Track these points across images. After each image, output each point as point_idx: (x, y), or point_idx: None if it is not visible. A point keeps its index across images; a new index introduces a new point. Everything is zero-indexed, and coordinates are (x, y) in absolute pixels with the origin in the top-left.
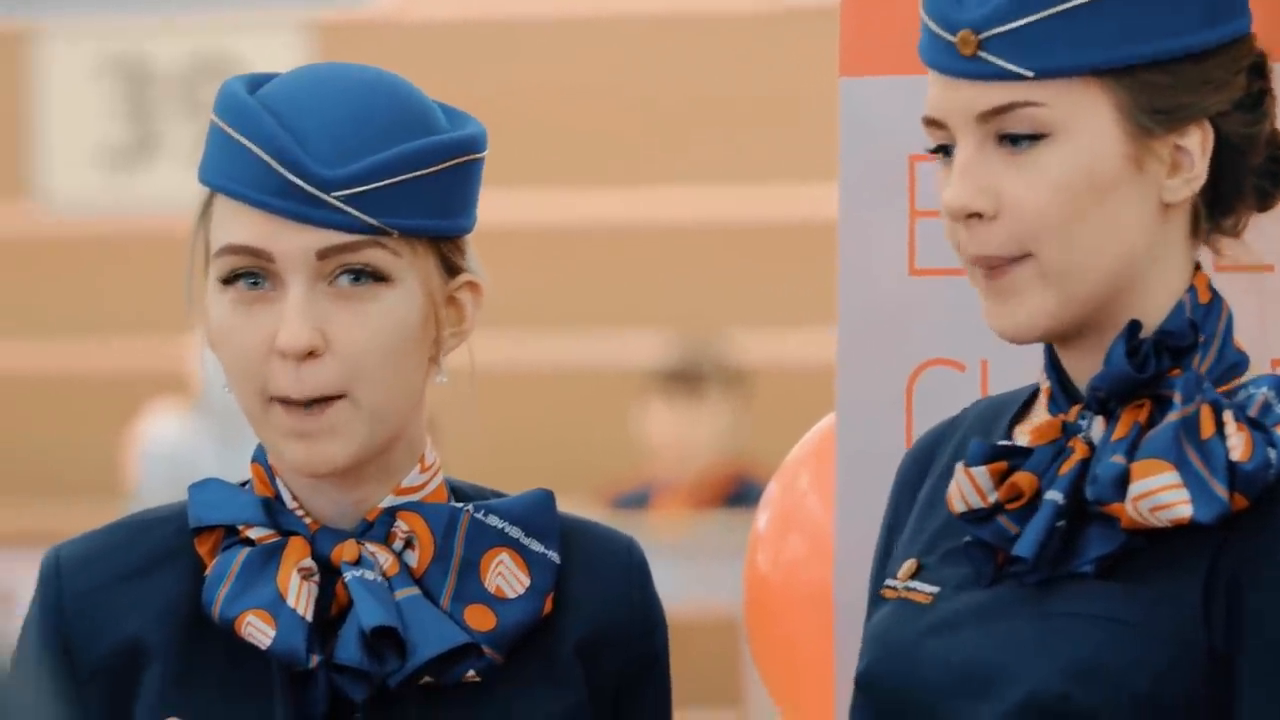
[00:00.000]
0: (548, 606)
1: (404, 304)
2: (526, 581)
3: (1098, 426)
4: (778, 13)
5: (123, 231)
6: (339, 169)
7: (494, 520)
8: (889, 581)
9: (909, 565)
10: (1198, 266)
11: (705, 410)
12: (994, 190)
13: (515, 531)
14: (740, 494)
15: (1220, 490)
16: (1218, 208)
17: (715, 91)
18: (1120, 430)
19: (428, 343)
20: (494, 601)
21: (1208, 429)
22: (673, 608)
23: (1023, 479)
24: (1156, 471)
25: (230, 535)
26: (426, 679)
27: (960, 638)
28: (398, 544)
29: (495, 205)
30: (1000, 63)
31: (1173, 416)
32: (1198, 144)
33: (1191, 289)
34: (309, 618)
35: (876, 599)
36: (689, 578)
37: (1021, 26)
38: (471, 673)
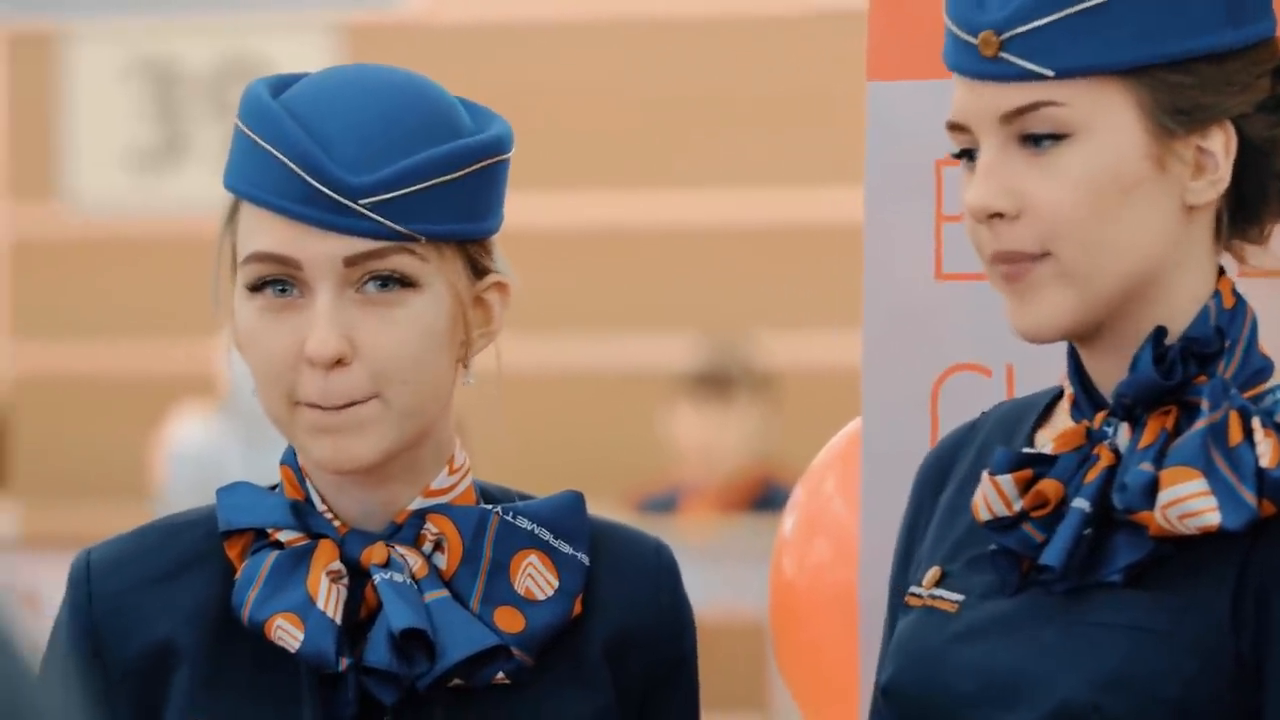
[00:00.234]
0: (577, 608)
1: (432, 309)
2: (556, 583)
3: (1123, 433)
4: (809, 15)
5: (150, 233)
6: (365, 175)
7: (523, 522)
8: (914, 589)
9: (933, 573)
10: (1222, 271)
11: (733, 414)
12: (1017, 190)
13: (544, 533)
14: (767, 498)
15: (1249, 497)
16: (1242, 212)
17: (745, 94)
18: (1147, 437)
19: (456, 345)
20: (523, 603)
21: (1236, 435)
22: (700, 612)
23: (1048, 486)
24: (1185, 479)
25: (259, 538)
26: (456, 681)
27: (987, 646)
28: (427, 546)
29: (526, 207)
30: (1021, 63)
31: (1201, 423)
32: (1221, 146)
33: (1216, 294)
34: (338, 620)
35: (898, 604)
36: (716, 581)
37: (1042, 26)
38: (501, 675)
